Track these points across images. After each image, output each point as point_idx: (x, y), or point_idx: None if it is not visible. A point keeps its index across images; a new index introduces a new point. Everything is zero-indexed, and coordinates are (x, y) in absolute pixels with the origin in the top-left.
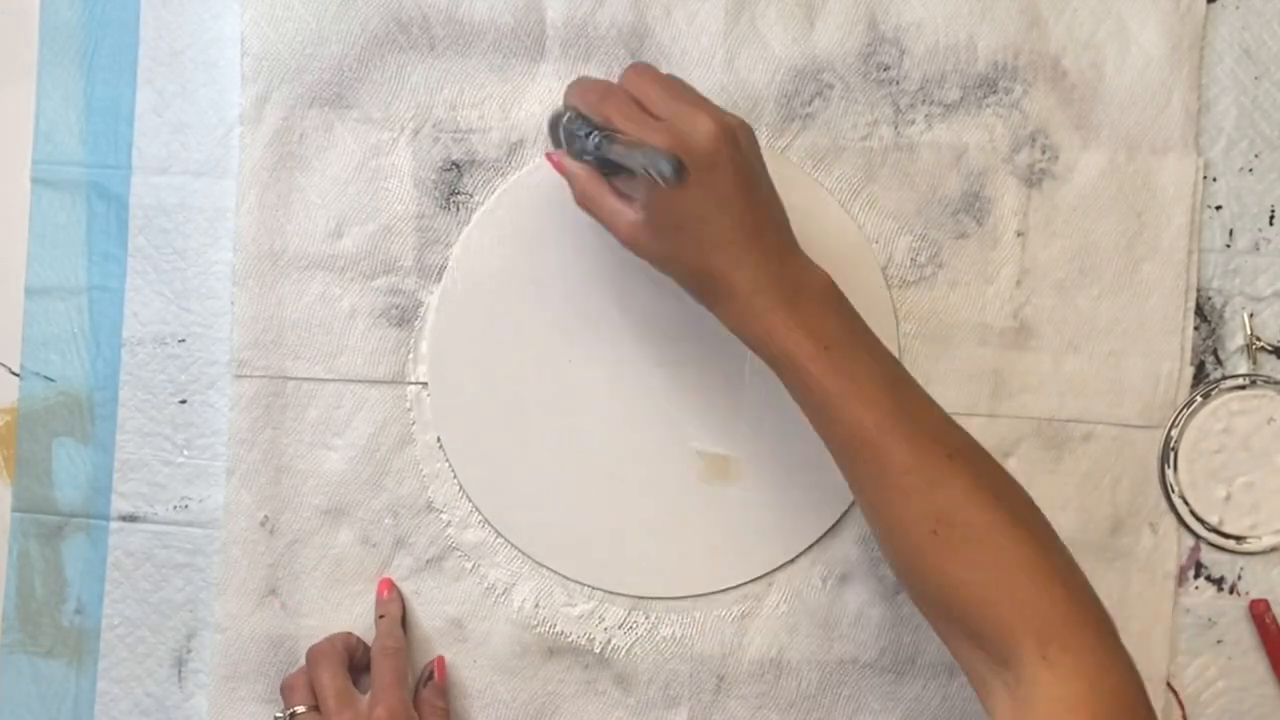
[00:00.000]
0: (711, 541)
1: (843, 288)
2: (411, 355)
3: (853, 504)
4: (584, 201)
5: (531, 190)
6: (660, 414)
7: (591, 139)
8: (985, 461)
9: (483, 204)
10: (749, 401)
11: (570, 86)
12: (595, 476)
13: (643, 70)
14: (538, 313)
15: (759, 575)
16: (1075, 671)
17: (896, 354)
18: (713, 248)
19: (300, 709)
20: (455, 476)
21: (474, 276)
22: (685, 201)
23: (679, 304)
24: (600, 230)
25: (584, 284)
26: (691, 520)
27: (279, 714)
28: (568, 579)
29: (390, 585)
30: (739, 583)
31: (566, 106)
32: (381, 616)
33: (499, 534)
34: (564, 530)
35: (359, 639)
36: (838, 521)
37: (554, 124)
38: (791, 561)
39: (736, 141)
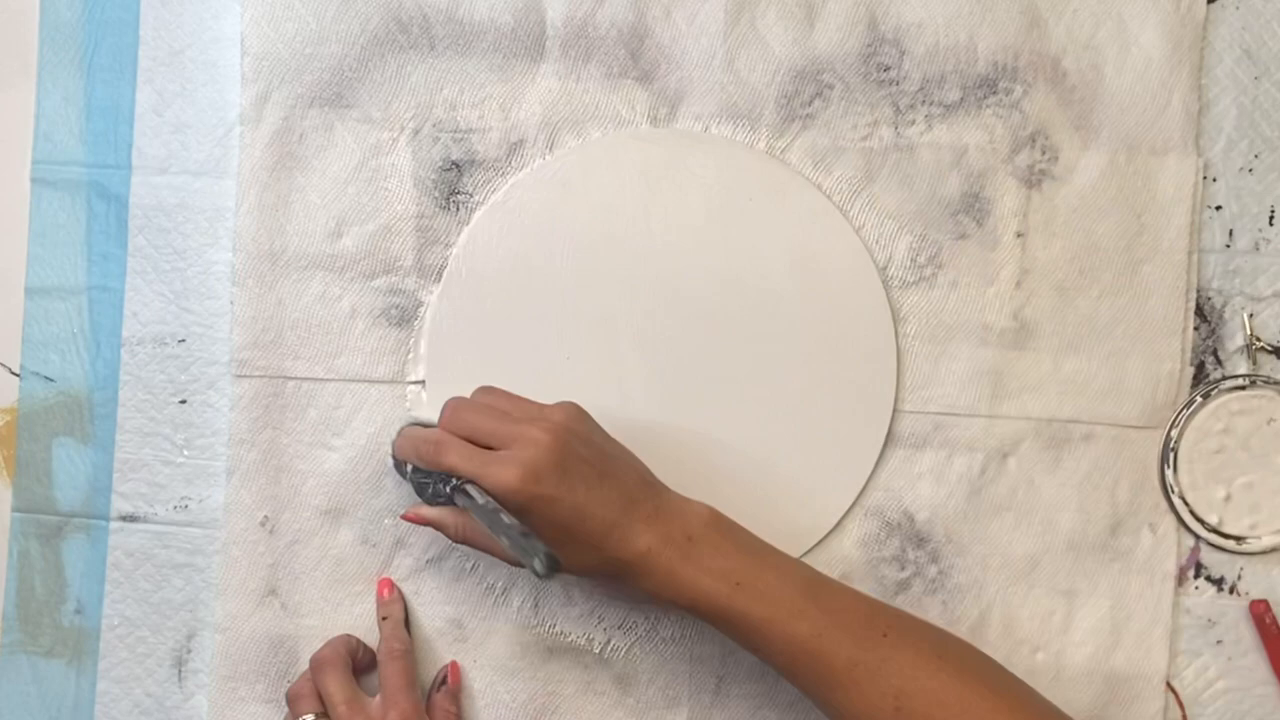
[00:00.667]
0: None
1: (841, 291)
2: (411, 355)
3: (853, 505)
4: (467, 540)
5: (532, 190)
6: (657, 415)
7: (445, 491)
8: (918, 628)
9: (483, 203)
10: (748, 401)
11: (399, 442)
12: None
13: (458, 405)
14: (537, 312)
15: None
16: None
17: (896, 355)
18: (600, 540)
19: (309, 718)
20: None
21: (474, 276)
22: (556, 513)
23: (676, 305)
24: (600, 231)
25: (582, 284)
26: None
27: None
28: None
29: (391, 585)
30: None
31: (401, 460)
32: (385, 618)
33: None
34: None
35: (360, 641)
36: (838, 523)
37: (398, 464)
38: None
39: (574, 432)
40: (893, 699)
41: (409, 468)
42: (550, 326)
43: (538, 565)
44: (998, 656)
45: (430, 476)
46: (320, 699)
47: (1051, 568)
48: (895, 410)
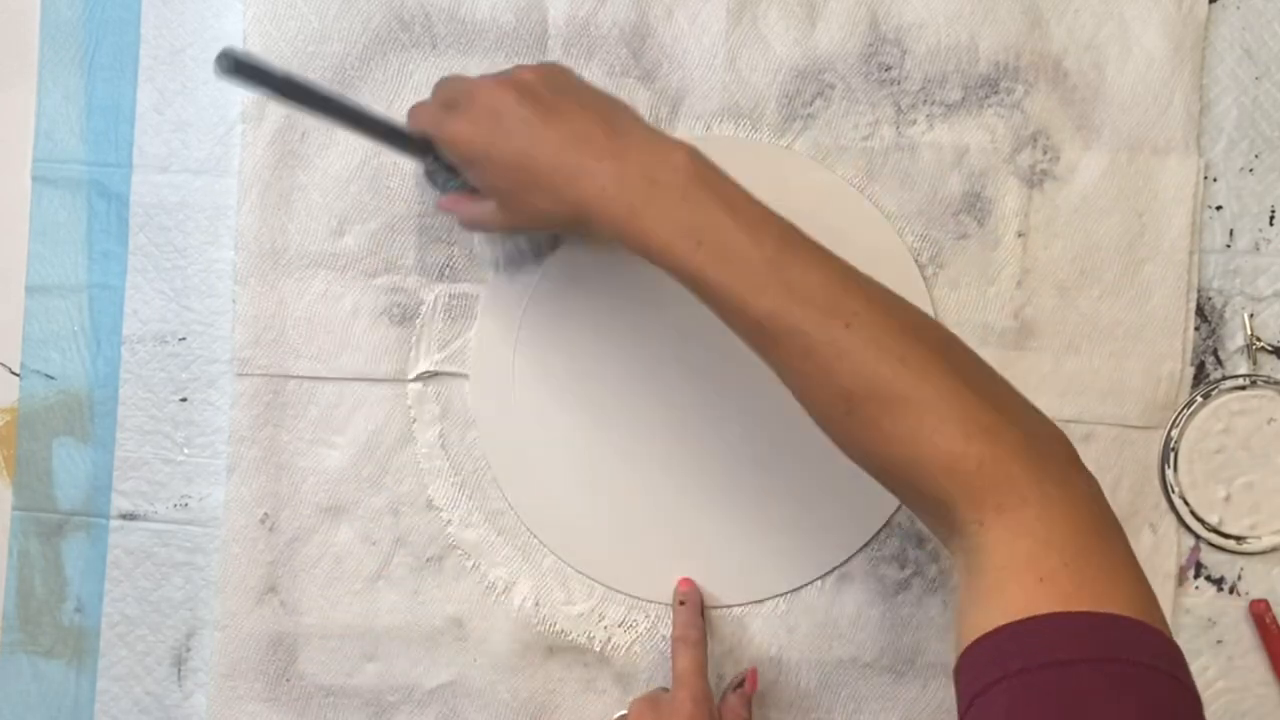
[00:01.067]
0: (731, 556)
1: (872, 270)
2: (413, 353)
3: (890, 518)
4: (465, 224)
5: None
6: (691, 426)
7: (430, 172)
8: (888, 316)
9: None
10: (783, 419)
11: (412, 117)
12: (623, 478)
13: (448, 76)
14: (586, 312)
15: (757, 599)
16: (1016, 531)
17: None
18: (548, 182)
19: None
20: (489, 467)
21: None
22: (500, 160)
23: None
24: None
25: (632, 289)
26: (723, 528)
27: None
28: (599, 582)
29: (691, 582)
30: (736, 603)
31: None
32: (681, 603)
33: (521, 520)
34: (589, 529)
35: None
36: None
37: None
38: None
39: (527, 84)
40: (844, 401)
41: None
42: (599, 333)
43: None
44: None
45: (430, 167)
46: None
47: None
48: None
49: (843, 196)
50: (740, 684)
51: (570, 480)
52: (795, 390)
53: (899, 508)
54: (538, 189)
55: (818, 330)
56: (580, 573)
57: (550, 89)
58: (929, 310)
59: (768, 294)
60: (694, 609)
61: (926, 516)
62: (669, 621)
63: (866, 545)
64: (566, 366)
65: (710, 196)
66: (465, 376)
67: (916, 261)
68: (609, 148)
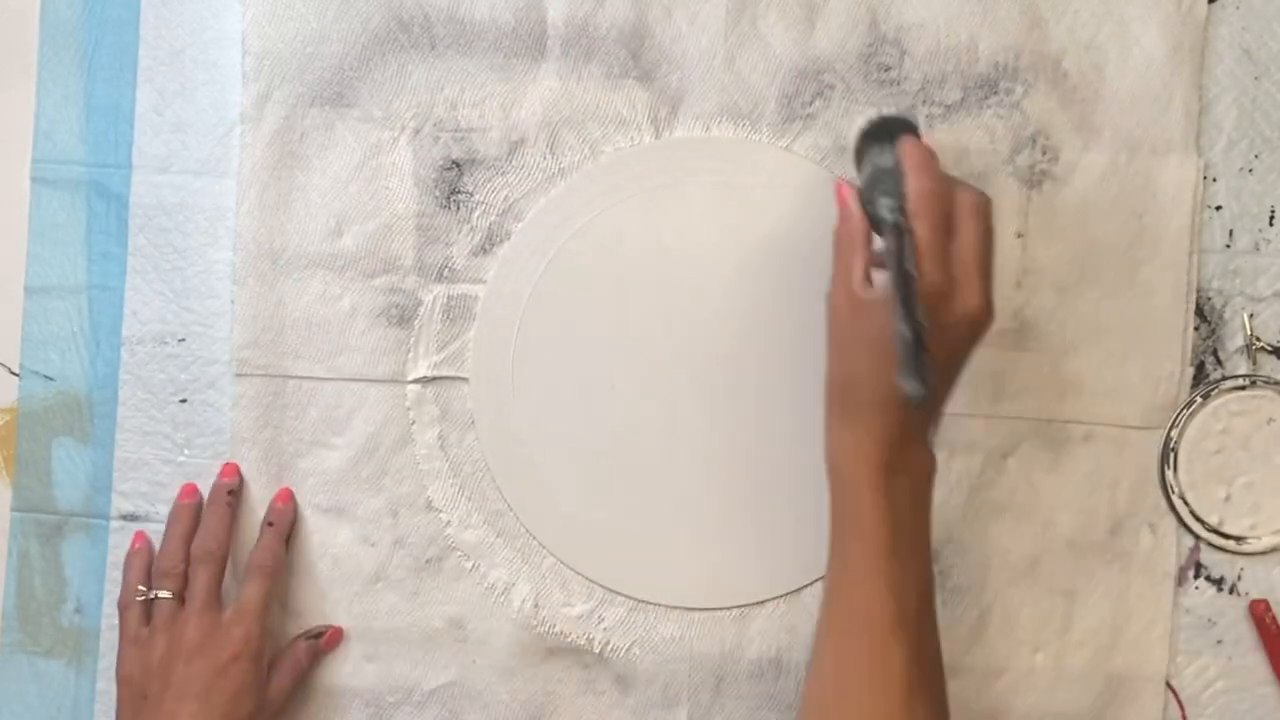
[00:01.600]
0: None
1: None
2: (411, 354)
3: None
4: (839, 242)
5: (581, 190)
6: (690, 427)
7: (890, 218)
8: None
9: (529, 202)
10: (781, 421)
11: (916, 157)
12: (622, 480)
13: (981, 207)
14: (585, 314)
15: (757, 601)
16: None
17: None
18: (881, 379)
19: (166, 595)
20: (488, 468)
21: (521, 274)
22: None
23: (720, 327)
24: (646, 236)
25: (631, 291)
26: (722, 530)
27: (142, 588)
28: (599, 584)
29: (289, 495)
30: (735, 604)
31: (874, 165)
32: (270, 524)
33: (521, 523)
34: (588, 530)
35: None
36: None
37: (863, 145)
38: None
39: (977, 335)
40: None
41: (878, 170)
42: (597, 330)
43: (910, 387)
44: (997, 656)
45: (889, 202)
46: (185, 579)
47: (1051, 568)
48: None
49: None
50: (318, 635)
51: (570, 481)
52: (825, 670)
53: None
54: (866, 374)
55: (888, 679)
56: (579, 574)
57: (960, 359)
58: None
59: (897, 606)
60: (279, 535)
61: None
62: (668, 623)
63: None
64: (566, 368)
65: (921, 513)
66: (465, 380)
67: None
68: (914, 419)
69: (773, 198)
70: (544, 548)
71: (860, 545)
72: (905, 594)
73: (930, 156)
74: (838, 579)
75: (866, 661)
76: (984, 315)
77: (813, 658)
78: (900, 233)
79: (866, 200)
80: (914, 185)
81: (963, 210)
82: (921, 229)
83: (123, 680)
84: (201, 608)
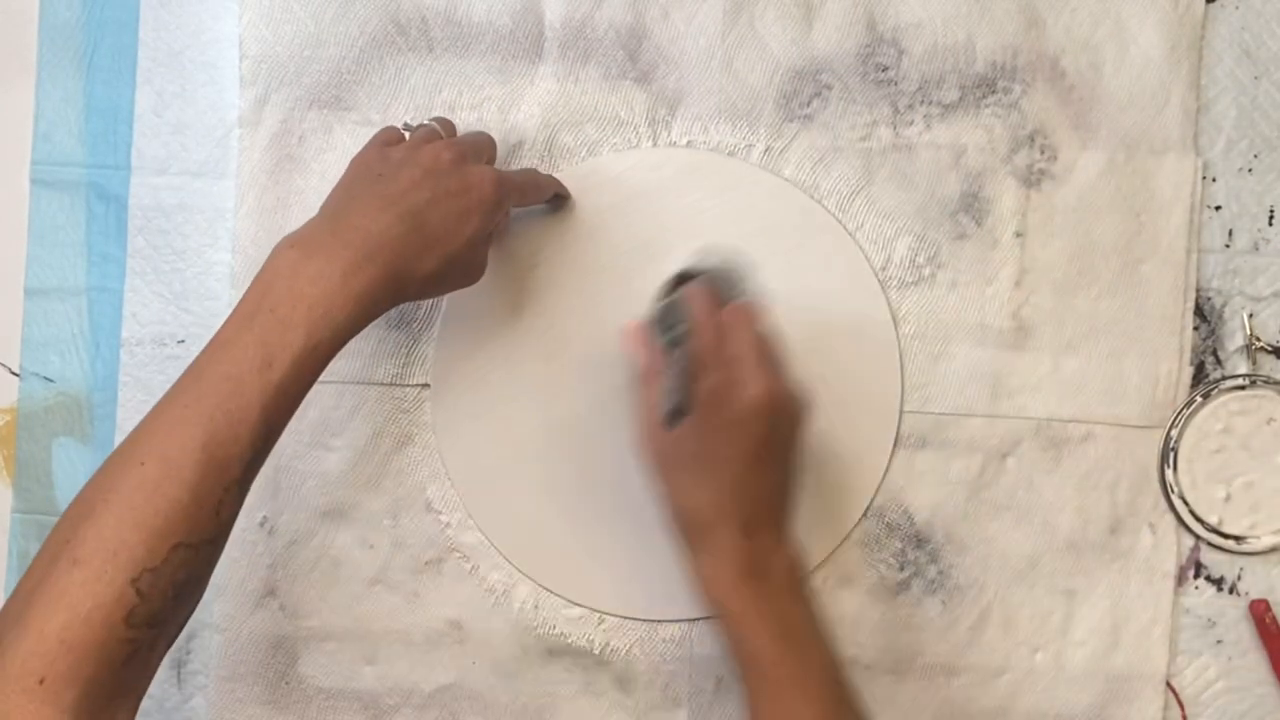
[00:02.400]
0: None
1: (838, 294)
2: (410, 356)
3: (856, 524)
4: (637, 383)
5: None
6: None
7: (674, 342)
8: None
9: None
10: None
11: (690, 291)
12: (588, 493)
13: (746, 315)
14: (543, 323)
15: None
16: None
17: (897, 355)
18: (710, 495)
19: (432, 123)
20: (449, 478)
21: (485, 282)
22: (712, 441)
23: None
24: (604, 246)
25: (585, 293)
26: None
27: (408, 120)
28: (580, 604)
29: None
30: (695, 616)
31: (670, 291)
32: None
33: (489, 540)
34: (550, 544)
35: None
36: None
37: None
38: None
39: (780, 412)
40: None
41: (667, 301)
42: (553, 339)
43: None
44: (997, 656)
45: (675, 331)
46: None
47: (1051, 568)
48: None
49: (808, 210)
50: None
51: (536, 499)
52: None
53: (876, 493)
54: (694, 492)
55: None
56: (560, 596)
57: (778, 445)
58: (888, 316)
59: (820, 705)
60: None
61: None
62: (667, 624)
63: (866, 547)
64: (529, 378)
65: (804, 609)
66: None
67: (914, 262)
68: (762, 518)
69: (740, 209)
70: (520, 571)
71: (755, 669)
72: (816, 689)
73: (700, 292)
74: (755, 705)
75: None
76: (770, 397)
77: None
78: (679, 356)
79: (661, 333)
80: (691, 310)
81: (733, 319)
82: (695, 342)
83: (354, 161)
84: (463, 148)
